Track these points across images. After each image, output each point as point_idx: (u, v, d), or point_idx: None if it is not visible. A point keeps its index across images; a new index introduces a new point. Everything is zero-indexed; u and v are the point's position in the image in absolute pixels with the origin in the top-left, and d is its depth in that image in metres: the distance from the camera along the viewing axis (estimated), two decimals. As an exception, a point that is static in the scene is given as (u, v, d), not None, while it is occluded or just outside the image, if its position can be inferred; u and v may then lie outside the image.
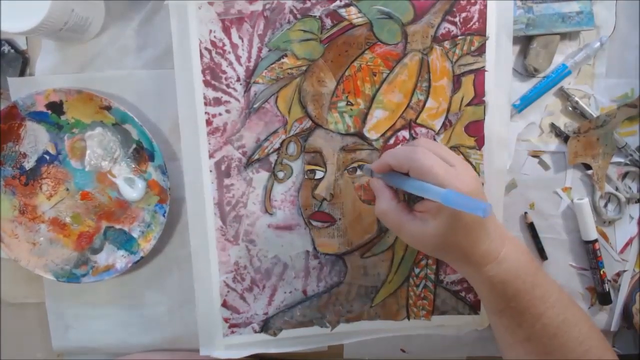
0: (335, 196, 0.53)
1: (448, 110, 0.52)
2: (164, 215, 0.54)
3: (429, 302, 0.55)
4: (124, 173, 0.55)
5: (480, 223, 0.43)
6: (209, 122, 0.52)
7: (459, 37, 0.51)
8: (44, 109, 0.53)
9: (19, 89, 0.54)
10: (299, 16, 0.50)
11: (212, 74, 0.51)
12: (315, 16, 0.50)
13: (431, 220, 0.43)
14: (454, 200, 0.39)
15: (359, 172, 0.53)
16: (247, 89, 0.52)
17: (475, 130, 0.53)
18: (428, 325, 0.56)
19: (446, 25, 0.51)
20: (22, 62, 0.54)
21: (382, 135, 0.52)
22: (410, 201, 0.50)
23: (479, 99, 0.52)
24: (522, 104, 0.55)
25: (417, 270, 0.55)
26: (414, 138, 0.53)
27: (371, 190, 0.53)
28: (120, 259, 0.56)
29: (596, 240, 0.56)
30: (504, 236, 0.46)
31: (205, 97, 0.51)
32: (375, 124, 0.52)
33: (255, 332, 0.55)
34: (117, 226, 0.56)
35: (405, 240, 0.47)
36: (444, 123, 0.53)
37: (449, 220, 0.42)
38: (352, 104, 0.52)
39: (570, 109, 0.56)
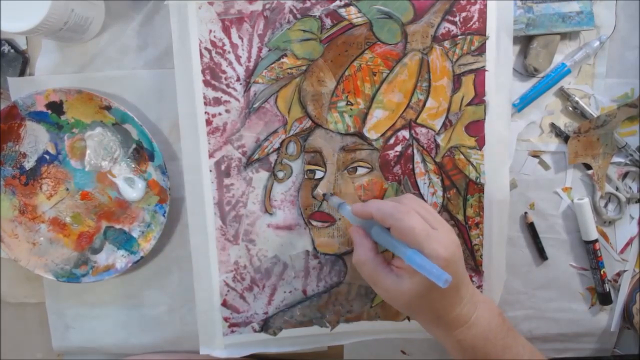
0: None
1: (448, 110, 0.52)
2: (164, 215, 0.54)
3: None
4: (124, 173, 0.55)
5: (455, 288, 0.43)
6: (208, 122, 0.52)
7: (459, 37, 0.51)
8: (44, 109, 0.53)
9: (19, 89, 0.54)
10: (298, 16, 0.50)
11: (212, 74, 0.51)
12: (315, 16, 0.50)
13: (407, 278, 0.42)
14: (418, 262, 0.39)
15: (358, 171, 0.53)
16: (246, 88, 0.52)
17: (476, 130, 0.53)
18: None
19: (446, 24, 0.51)
20: (22, 62, 0.54)
21: (382, 135, 0.52)
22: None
23: (479, 98, 0.52)
24: (522, 103, 0.55)
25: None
26: (414, 138, 0.53)
27: (371, 190, 0.53)
28: (120, 258, 0.56)
29: (596, 240, 0.56)
30: (477, 300, 0.45)
31: (205, 97, 0.51)
32: (375, 123, 0.52)
33: (255, 331, 0.55)
34: (117, 226, 0.56)
35: (379, 293, 0.46)
36: (444, 123, 0.53)
37: (425, 281, 0.41)
38: (352, 104, 0.52)
39: (570, 108, 0.55)
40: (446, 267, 0.40)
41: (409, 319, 0.56)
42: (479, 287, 0.55)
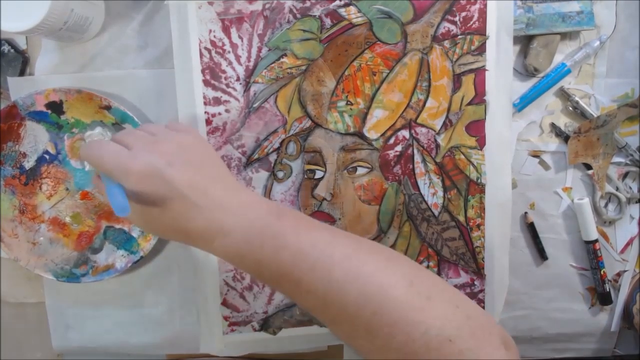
0: (334, 196, 0.53)
1: (448, 109, 0.52)
2: (163, 215, 0.54)
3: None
4: (123, 173, 0.55)
5: (178, 199, 0.38)
6: (208, 122, 0.52)
7: (459, 37, 0.51)
8: (44, 109, 0.53)
9: (19, 89, 0.54)
10: (298, 16, 0.50)
11: (212, 74, 0.51)
12: (314, 16, 0.50)
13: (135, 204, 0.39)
14: (108, 192, 0.38)
15: (358, 171, 0.53)
16: (246, 88, 0.52)
17: (477, 129, 0.53)
18: None
19: (446, 24, 0.51)
20: (22, 62, 0.54)
21: (382, 135, 0.52)
22: None
23: (479, 98, 0.52)
24: (522, 103, 0.54)
25: (417, 271, 0.55)
26: (414, 138, 0.53)
27: (371, 190, 0.53)
28: (120, 258, 0.56)
29: (597, 241, 0.56)
30: (229, 204, 0.39)
31: (205, 97, 0.51)
32: (375, 123, 0.52)
33: (255, 330, 0.55)
34: (117, 226, 0.56)
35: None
36: (444, 123, 0.53)
37: (140, 205, 0.39)
38: (351, 104, 0.52)
39: (570, 108, 0.55)
40: (140, 181, 0.37)
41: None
42: (481, 291, 0.55)
